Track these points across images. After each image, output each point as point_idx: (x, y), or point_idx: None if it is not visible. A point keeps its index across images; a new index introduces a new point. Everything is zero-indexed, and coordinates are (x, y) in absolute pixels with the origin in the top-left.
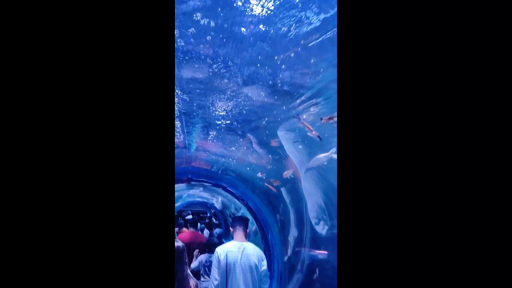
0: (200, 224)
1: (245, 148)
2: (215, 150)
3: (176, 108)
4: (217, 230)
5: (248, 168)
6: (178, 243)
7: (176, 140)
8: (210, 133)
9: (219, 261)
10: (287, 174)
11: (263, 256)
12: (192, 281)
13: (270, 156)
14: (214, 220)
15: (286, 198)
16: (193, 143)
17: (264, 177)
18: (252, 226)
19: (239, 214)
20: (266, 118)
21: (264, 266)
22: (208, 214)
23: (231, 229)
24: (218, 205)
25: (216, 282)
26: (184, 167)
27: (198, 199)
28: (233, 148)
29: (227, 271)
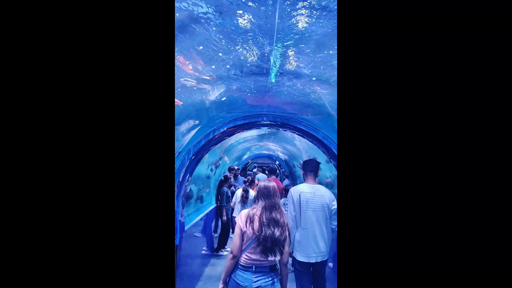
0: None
1: None
2: (302, 79)
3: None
4: (286, 181)
5: None
6: (273, 183)
7: (256, 62)
8: (295, 54)
9: (293, 200)
10: None
11: (334, 197)
12: (285, 217)
13: None
14: (280, 171)
15: None
16: (275, 68)
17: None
18: (327, 178)
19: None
20: None
21: (334, 205)
22: (272, 166)
23: (302, 171)
24: (285, 157)
25: (292, 216)
26: (259, 106)
27: (264, 152)
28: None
29: (300, 208)
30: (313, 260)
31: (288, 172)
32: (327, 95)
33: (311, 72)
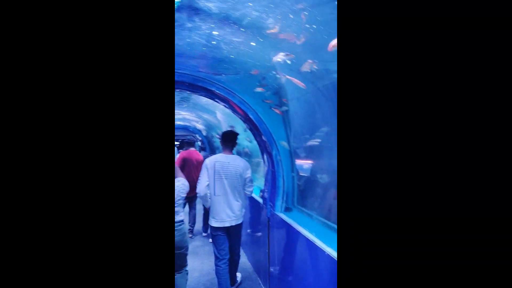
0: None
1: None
2: (208, 20)
3: None
4: (202, 153)
5: (255, 62)
6: None
7: None
8: None
9: (207, 169)
10: (306, 67)
11: (248, 166)
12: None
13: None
14: (200, 144)
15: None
16: None
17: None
18: (244, 148)
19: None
20: None
21: (248, 174)
22: (189, 138)
23: (220, 142)
24: (201, 128)
25: (205, 184)
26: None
27: (179, 123)
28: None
29: (214, 176)
30: (227, 224)
31: (206, 144)
32: (242, 46)
33: (221, 9)
